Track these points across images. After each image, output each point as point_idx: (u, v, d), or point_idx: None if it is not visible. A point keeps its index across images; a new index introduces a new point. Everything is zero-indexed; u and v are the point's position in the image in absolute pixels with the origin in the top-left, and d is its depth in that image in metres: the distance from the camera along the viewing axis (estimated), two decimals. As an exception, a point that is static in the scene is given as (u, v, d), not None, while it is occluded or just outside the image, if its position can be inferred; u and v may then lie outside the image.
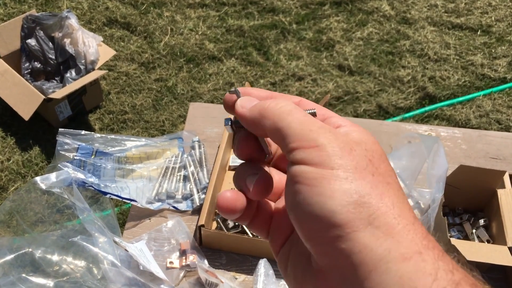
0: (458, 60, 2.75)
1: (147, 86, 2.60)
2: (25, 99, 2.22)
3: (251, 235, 1.09)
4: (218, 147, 1.36)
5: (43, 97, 2.18)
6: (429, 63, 2.74)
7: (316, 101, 2.55)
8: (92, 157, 1.12)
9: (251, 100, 0.37)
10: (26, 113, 2.18)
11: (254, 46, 2.82)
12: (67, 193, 1.01)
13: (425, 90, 2.60)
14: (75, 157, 1.10)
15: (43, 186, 1.01)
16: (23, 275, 1.01)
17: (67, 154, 1.11)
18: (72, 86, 2.20)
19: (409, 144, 1.09)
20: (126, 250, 1.04)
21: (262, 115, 0.35)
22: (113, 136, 1.17)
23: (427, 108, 2.52)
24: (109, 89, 2.57)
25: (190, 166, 1.22)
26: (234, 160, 1.25)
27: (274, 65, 2.73)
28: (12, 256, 1.02)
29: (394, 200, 0.31)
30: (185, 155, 1.25)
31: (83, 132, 1.14)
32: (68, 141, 1.11)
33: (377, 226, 0.30)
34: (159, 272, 1.03)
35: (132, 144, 1.18)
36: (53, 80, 2.42)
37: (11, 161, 2.24)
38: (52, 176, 1.01)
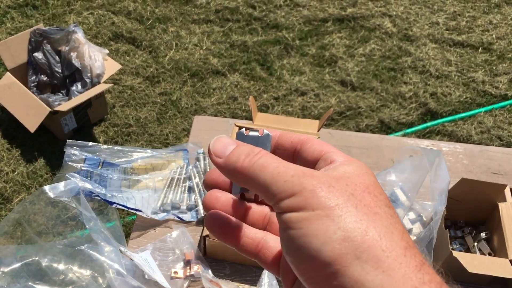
0: (460, 76, 2.78)
1: (152, 100, 2.63)
2: (31, 111, 2.24)
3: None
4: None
5: (49, 109, 2.21)
6: (431, 79, 2.76)
7: (319, 116, 2.57)
8: (99, 168, 1.14)
9: (226, 145, 0.36)
10: (32, 125, 2.21)
11: (258, 61, 2.85)
12: (75, 202, 1.02)
13: (427, 106, 2.62)
14: (83, 168, 1.12)
15: (51, 195, 1.03)
16: (30, 283, 1.02)
17: (74, 164, 1.13)
18: (78, 99, 2.23)
19: (412, 158, 1.11)
20: (131, 259, 1.05)
21: (237, 172, 0.35)
22: (119, 148, 1.19)
23: (428, 123, 2.54)
24: (114, 102, 2.60)
25: (195, 177, 1.23)
26: (239, 172, 1.27)
27: (277, 80, 2.76)
28: (18, 264, 1.04)
29: (381, 231, 0.31)
30: (190, 167, 1.26)
31: (90, 143, 1.16)
32: (75, 152, 1.13)
33: (365, 260, 0.30)
34: (163, 282, 1.04)
35: (138, 156, 1.20)
36: (59, 93, 2.45)
37: (16, 173, 2.26)
38: (60, 186, 1.03)
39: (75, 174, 1.06)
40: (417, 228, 1.13)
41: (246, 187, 0.35)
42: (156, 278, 1.03)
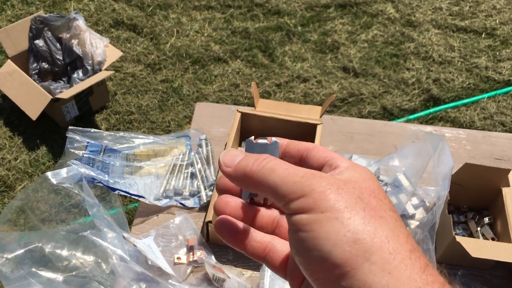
0: (463, 62, 2.76)
1: (153, 87, 2.62)
2: (32, 99, 2.24)
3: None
4: (225, 145, 1.38)
5: (51, 97, 2.20)
6: (434, 65, 2.75)
7: (321, 102, 2.56)
8: (101, 154, 1.14)
9: (235, 156, 0.38)
10: (33, 113, 2.20)
11: (259, 48, 2.84)
12: (78, 189, 1.02)
13: (430, 92, 2.61)
14: (85, 155, 1.12)
15: (53, 181, 1.03)
16: (33, 269, 1.03)
17: (76, 151, 1.12)
18: (79, 86, 2.22)
19: (415, 143, 1.10)
20: (134, 245, 1.06)
21: (246, 177, 0.36)
22: (121, 134, 1.19)
23: (431, 110, 2.53)
24: (115, 90, 2.59)
25: (197, 163, 1.23)
26: (241, 158, 1.27)
27: (279, 66, 2.75)
28: (22, 251, 1.04)
29: (388, 234, 0.32)
30: (192, 153, 1.26)
31: (92, 130, 1.16)
32: (77, 138, 1.13)
33: (373, 262, 0.31)
34: (167, 267, 1.05)
35: (140, 142, 1.20)
36: (61, 81, 2.44)
37: (18, 161, 2.26)
38: (63, 172, 1.03)
39: (77, 161, 1.06)
40: (420, 214, 1.13)
41: (256, 191, 0.36)
42: (159, 264, 1.03)
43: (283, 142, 0.41)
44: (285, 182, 0.34)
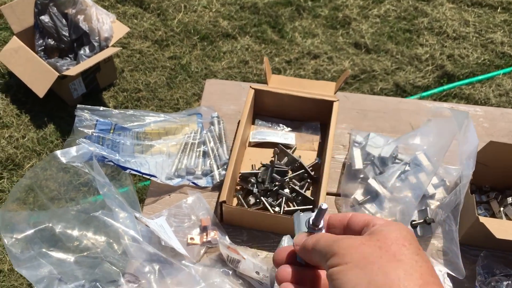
0: (478, 38, 2.69)
1: (161, 64, 2.58)
2: (39, 76, 2.20)
3: (273, 212, 1.07)
4: (238, 123, 1.34)
5: (57, 74, 2.17)
6: (448, 41, 2.68)
7: (332, 79, 2.51)
8: (111, 132, 1.11)
9: (301, 237, 0.50)
10: (40, 90, 2.17)
11: (269, 24, 2.77)
12: (88, 168, 0.99)
13: (444, 69, 2.54)
14: (94, 133, 1.09)
15: (63, 160, 1.00)
16: (43, 250, 1.00)
17: (86, 130, 1.09)
18: (86, 63, 2.18)
19: (437, 120, 1.06)
20: (146, 225, 1.03)
21: (306, 250, 0.48)
22: (131, 112, 1.15)
23: (445, 87, 2.47)
24: (122, 67, 2.55)
25: (209, 142, 1.20)
26: (254, 136, 1.23)
27: (289, 43, 2.69)
28: (32, 231, 1.01)
29: (401, 274, 0.40)
30: (204, 131, 1.23)
31: (101, 108, 1.12)
32: (86, 116, 1.10)
33: None
34: (180, 248, 1.02)
35: (151, 120, 1.16)
36: (67, 58, 2.40)
37: (26, 139, 2.24)
38: (73, 150, 0.99)
39: (86, 140, 1.03)
40: (440, 193, 1.09)
41: (313, 261, 0.48)
42: (172, 245, 1.00)
43: (325, 218, 0.51)
44: (325, 246, 0.45)
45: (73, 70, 2.16)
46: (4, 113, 2.32)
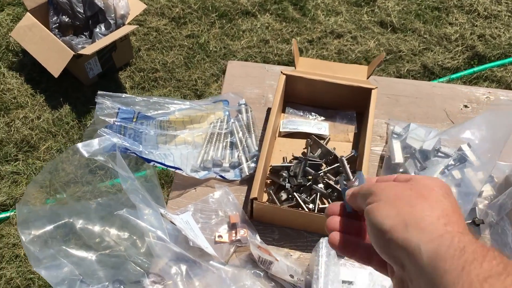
0: (510, 17, 2.55)
1: (178, 43, 2.49)
2: (54, 55, 2.13)
3: (306, 209, 0.99)
4: (267, 111, 1.25)
5: (73, 53, 2.09)
6: (479, 20, 2.55)
7: (356, 61, 2.40)
8: (133, 121, 1.03)
9: (352, 189, 0.54)
10: (55, 69, 2.10)
11: (290, 1, 2.66)
12: (111, 162, 0.92)
13: (474, 50, 2.42)
14: (116, 122, 1.01)
15: (85, 154, 0.93)
16: (63, 247, 0.94)
17: (107, 119, 1.02)
18: (102, 41, 2.10)
19: (490, 111, 0.97)
20: (172, 222, 0.96)
21: (353, 195, 0.53)
22: (155, 99, 1.08)
23: (476, 68, 2.35)
24: (139, 46, 2.46)
25: (238, 132, 1.12)
26: (285, 126, 1.15)
27: (311, 21, 2.58)
28: (51, 226, 0.95)
29: (425, 208, 0.45)
30: (231, 120, 1.15)
31: (123, 95, 1.04)
32: (108, 103, 1.02)
33: (409, 225, 0.43)
34: (208, 247, 0.96)
35: (176, 107, 1.08)
36: (82, 35, 2.31)
37: (41, 120, 2.18)
38: (95, 143, 0.92)
39: (107, 130, 0.95)
40: (488, 191, 1.01)
41: (358, 206, 0.52)
42: (199, 243, 0.94)
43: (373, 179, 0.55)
44: (365, 190, 0.50)
45: (89, 49, 2.08)
46: (19, 93, 2.26)
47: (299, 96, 1.19)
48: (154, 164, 1.00)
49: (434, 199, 0.45)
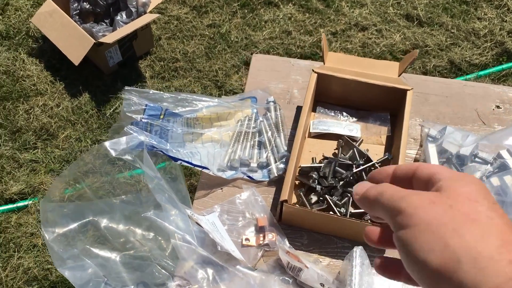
0: (542, 12, 2.47)
1: (199, 32, 2.44)
2: (74, 42, 2.10)
3: (338, 214, 0.96)
4: (297, 109, 1.21)
5: (93, 41, 2.06)
6: (509, 15, 2.47)
7: (381, 55, 2.35)
8: (161, 118, 1.00)
9: (363, 186, 0.44)
10: (76, 57, 2.07)
11: (314, -9, 2.60)
12: (139, 162, 0.89)
13: (503, 46, 2.35)
14: (143, 119, 0.98)
15: (112, 153, 0.90)
16: (87, 246, 0.92)
17: (134, 115, 0.98)
18: (124, 30, 2.07)
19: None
20: (198, 224, 0.93)
21: (366, 201, 0.43)
22: (183, 96, 1.04)
23: (505, 65, 2.28)
24: (159, 34, 2.43)
25: (267, 131, 1.08)
26: (316, 127, 1.11)
27: (335, 12, 2.52)
28: (75, 225, 0.93)
29: (477, 236, 0.35)
30: (260, 118, 1.11)
31: (151, 91, 1.01)
32: (134, 100, 0.99)
33: (464, 263, 0.34)
34: (234, 251, 0.93)
35: (204, 105, 1.05)
36: (103, 23, 2.28)
37: (60, 108, 2.16)
38: (122, 141, 0.89)
39: (133, 127, 0.92)
40: (529, 201, 0.96)
41: (372, 212, 0.43)
42: (227, 247, 0.91)
43: (389, 170, 0.45)
44: (390, 201, 0.40)
45: (110, 37, 2.05)
46: (38, 80, 2.24)
47: (330, 95, 1.15)
48: (181, 162, 0.97)
49: (484, 221, 0.36)
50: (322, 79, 1.11)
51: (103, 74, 2.26)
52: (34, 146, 2.05)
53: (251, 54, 2.36)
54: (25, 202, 1.91)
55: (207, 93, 2.22)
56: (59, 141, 2.07)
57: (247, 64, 2.34)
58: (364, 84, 1.09)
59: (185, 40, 2.42)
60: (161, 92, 1.02)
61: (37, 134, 2.08)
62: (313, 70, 1.11)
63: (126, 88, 1.00)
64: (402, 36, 2.41)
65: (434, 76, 2.25)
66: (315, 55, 2.38)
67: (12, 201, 1.91)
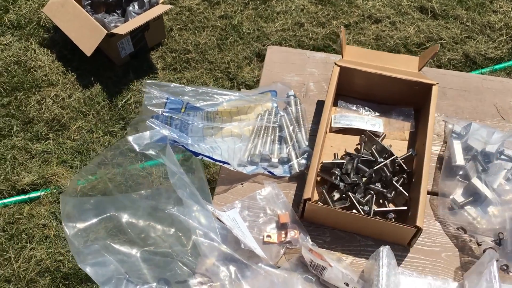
0: (559, 6, 2.43)
1: (211, 24, 2.42)
2: (86, 33, 2.08)
3: (362, 212, 0.94)
4: (316, 103, 1.19)
5: (106, 32, 2.04)
6: (525, 8, 2.43)
7: (394, 47, 2.31)
8: (182, 111, 0.98)
9: None
10: (88, 48, 2.06)
11: (327, -18, 2.56)
12: (163, 157, 0.88)
13: (520, 39, 2.32)
14: (164, 113, 0.97)
15: (136, 148, 0.88)
16: (108, 241, 0.91)
17: (155, 109, 0.97)
18: (136, 21, 2.05)
19: None
20: (219, 220, 0.92)
21: None
22: (204, 89, 1.02)
23: (521, 60, 2.25)
24: (171, 25, 2.40)
25: (287, 126, 1.06)
26: (338, 121, 1.09)
27: (348, 4, 2.48)
28: (96, 220, 0.92)
29: None
30: (280, 112, 1.09)
31: (172, 84, 0.99)
32: (155, 93, 0.97)
33: None
34: (256, 248, 0.91)
35: (225, 98, 1.03)
36: (114, 13, 2.26)
37: (72, 98, 2.14)
38: (146, 136, 0.88)
39: (154, 120, 0.91)
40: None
41: None
42: (248, 244, 0.90)
43: None
44: None
45: (123, 28, 2.03)
46: (50, 70, 2.22)
47: (352, 89, 1.13)
48: (202, 157, 0.96)
49: None
50: (344, 72, 1.09)
51: (115, 65, 2.24)
52: (46, 137, 2.04)
53: (263, 46, 2.33)
54: (37, 193, 1.90)
55: (219, 85, 2.20)
56: (71, 132, 2.06)
57: (259, 56, 2.32)
58: (388, 78, 1.07)
59: (196, 32, 2.39)
60: (183, 86, 1.00)
61: (49, 125, 2.07)
62: (335, 64, 1.09)
63: (147, 81, 0.99)
64: (416, 29, 2.38)
65: (449, 69, 2.22)
66: (328, 47, 2.35)
67: (24, 192, 1.91)
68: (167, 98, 0.99)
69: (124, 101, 2.13)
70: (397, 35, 2.36)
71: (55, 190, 1.90)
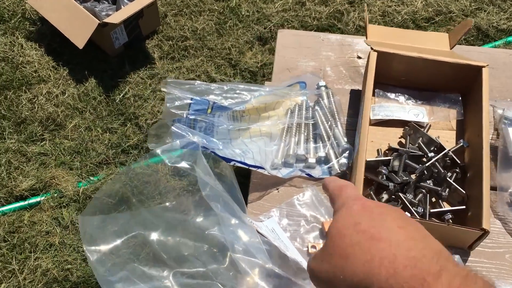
0: None
1: (208, 7, 2.28)
2: (77, 24, 1.94)
3: (416, 215, 0.85)
4: (362, 97, 1.09)
5: (98, 21, 1.90)
6: (535, -25, 2.32)
7: (402, 23, 2.20)
8: (209, 111, 0.87)
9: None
10: (80, 40, 1.92)
11: (327, -43, 2.43)
12: (197, 169, 0.77)
13: (532, 9, 2.22)
14: (189, 115, 0.85)
15: (167, 162, 0.77)
16: (135, 264, 0.80)
17: (178, 112, 0.85)
18: (130, 8, 1.91)
19: None
20: (258, 232, 0.82)
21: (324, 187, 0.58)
22: (230, 86, 0.91)
23: (535, 30, 2.15)
24: (165, 11, 2.26)
25: (322, 122, 0.96)
26: (377, 113, 0.98)
27: (351, -21, 2.36)
28: (120, 241, 0.81)
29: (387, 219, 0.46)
30: (311, 106, 0.98)
31: (196, 82, 0.88)
32: (177, 94, 0.86)
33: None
34: (302, 261, 0.81)
35: (254, 94, 0.92)
36: (104, 1, 2.12)
37: (66, 95, 2.01)
38: (176, 146, 0.77)
39: (182, 126, 0.79)
40: None
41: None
42: (291, 256, 0.80)
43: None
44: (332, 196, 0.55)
45: (116, 16, 1.89)
46: (40, 66, 2.08)
47: (390, 75, 1.02)
48: (234, 163, 0.85)
49: (393, 214, 0.48)
50: (381, 57, 0.98)
51: (109, 57, 2.10)
52: (41, 137, 1.91)
53: (264, 28, 2.21)
54: (37, 199, 1.78)
55: (221, 73, 2.08)
56: (67, 131, 1.93)
57: (260, 39, 2.20)
58: (431, 62, 0.96)
59: (193, 16, 2.26)
60: (208, 84, 0.89)
61: (43, 124, 1.94)
62: (372, 49, 0.98)
63: (168, 80, 0.87)
64: (424, 2, 2.27)
65: (460, 44, 2.12)
66: (333, 27, 2.23)
67: (23, 198, 1.79)
68: (191, 99, 0.87)
69: (122, 95, 2.01)
70: (404, 10, 2.25)
71: (55, 194, 1.78)
